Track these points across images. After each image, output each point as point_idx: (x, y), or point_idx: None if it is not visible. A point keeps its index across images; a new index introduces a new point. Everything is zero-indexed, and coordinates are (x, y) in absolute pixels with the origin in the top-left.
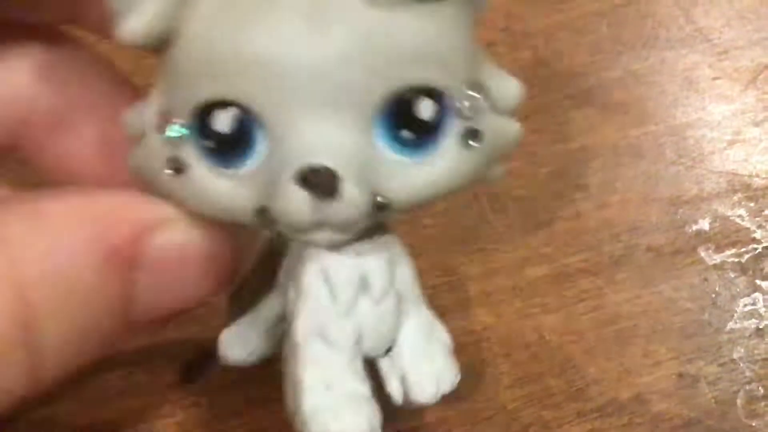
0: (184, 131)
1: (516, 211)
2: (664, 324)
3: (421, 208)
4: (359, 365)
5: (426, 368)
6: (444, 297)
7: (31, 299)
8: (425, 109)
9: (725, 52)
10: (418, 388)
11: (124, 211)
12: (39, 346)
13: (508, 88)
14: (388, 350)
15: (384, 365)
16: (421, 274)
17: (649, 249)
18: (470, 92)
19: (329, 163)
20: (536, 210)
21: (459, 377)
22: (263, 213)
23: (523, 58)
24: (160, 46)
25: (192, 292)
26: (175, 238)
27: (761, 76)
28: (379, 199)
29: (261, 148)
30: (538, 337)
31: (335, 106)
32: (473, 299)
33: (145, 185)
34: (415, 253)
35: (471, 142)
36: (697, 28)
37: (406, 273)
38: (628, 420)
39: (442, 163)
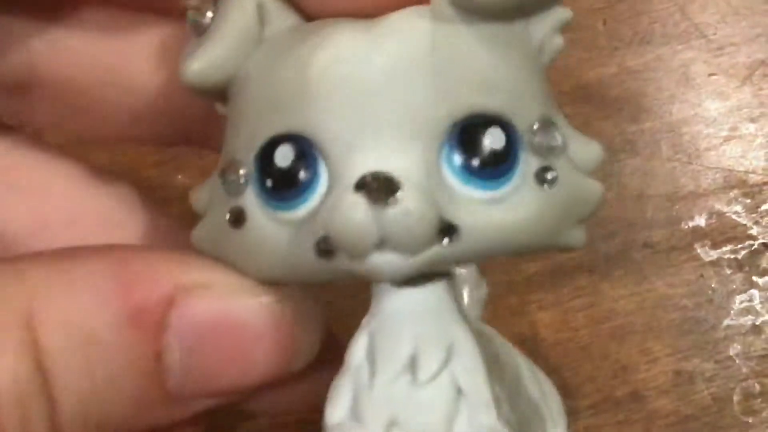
0: (244, 172)
1: None
2: (660, 321)
3: (490, 251)
4: None
5: None
6: None
7: (45, 346)
8: (494, 137)
9: (721, 48)
10: None
11: (156, 270)
12: (56, 398)
13: (589, 149)
14: None
15: None
16: None
17: (645, 245)
18: (543, 130)
19: (390, 170)
20: None
21: None
22: (322, 244)
23: None
24: (222, 92)
25: (242, 368)
26: (212, 305)
27: (757, 72)
28: (446, 218)
29: (321, 183)
30: (533, 334)
31: (399, 129)
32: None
33: (207, 252)
34: None
35: (546, 184)
36: (693, 24)
37: (472, 368)
38: (623, 417)
39: (516, 201)
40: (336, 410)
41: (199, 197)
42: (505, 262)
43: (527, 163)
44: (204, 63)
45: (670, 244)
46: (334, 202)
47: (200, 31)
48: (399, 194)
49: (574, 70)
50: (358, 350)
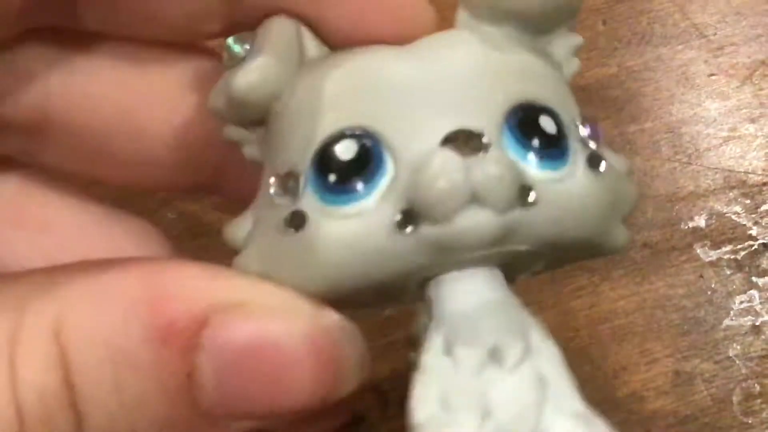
0: (303, 179)
1: None
2: (660, 321)
3: (561, 228)
4: None
5: None
6: None
7: (73, 360)
8: (547, 122)
9: (721, 48)
10: None
11: (190, 286)
12: (84, 413)
13: (618, 159)
14: None
15: None
16: None
17: (645, 246)
18: (586, 125)
19: (473, 127)
20: None
21: None
22: (405, 216)
23: None
24: (267, 108)
25: (279, 393)
26: (247, 326)
27: (757, 73)
28: (525, 181)
29: (388, 169)
30: None
31: (462, 111)
32: None
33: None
34: None
35: (598, 168)
36: (692, 24)
37: (552, 356)
38: (623, 418)
39: (574, 181)
40: (424, 406)
41: (236, 231)
42: None
43: (577, 151)
44: (255, 75)
45: (670, 244)
46: (419, 167)
47: (235, 62)
48: (487, 144)
49: None
50: (434, 350)
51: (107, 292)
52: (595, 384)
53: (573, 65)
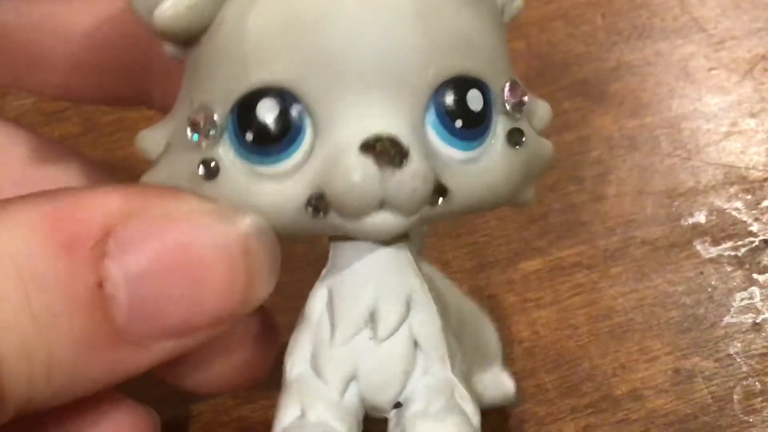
0: (219, 122)
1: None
2: (660, 319)
3: (469, 210)
4: (351, 408)
5: None
6: None
7: None
8: (474, 100)
9: (721, 42)
10: None
11: (90, 199)
12: None
13: (540, 108)
14: (397, 405)
15: (390, 421)
16: None
17: (644, 242)
18: (514, 91)
19: (391, 132)
20: None
21: None
22: (315, 201)
23: (516, 49)
24: (193, 37)
25: (194, 301)
26: (155, 230)
27: (758, 67)
28: (440, 180)
29: (306, 139)
30: (531, 332)
31: (389, 90)
32: (466, 293)
33: None
34: None
35: (516, 144)
36: (692, 18)
37: (429, 323)
38: (623, 416)
39: (489, 160)
40: (296, 364)
41: (151, 141)
42: (502, 261)
43: (497, 124)
44: (181, 7)
45: (670, 241)
46: (335, 163)
47: None
48: (408, 157)
49: (572, 64)
50: (317, 303)
51: (7, 217)
52: (594, 382)
53: (515, 7)
